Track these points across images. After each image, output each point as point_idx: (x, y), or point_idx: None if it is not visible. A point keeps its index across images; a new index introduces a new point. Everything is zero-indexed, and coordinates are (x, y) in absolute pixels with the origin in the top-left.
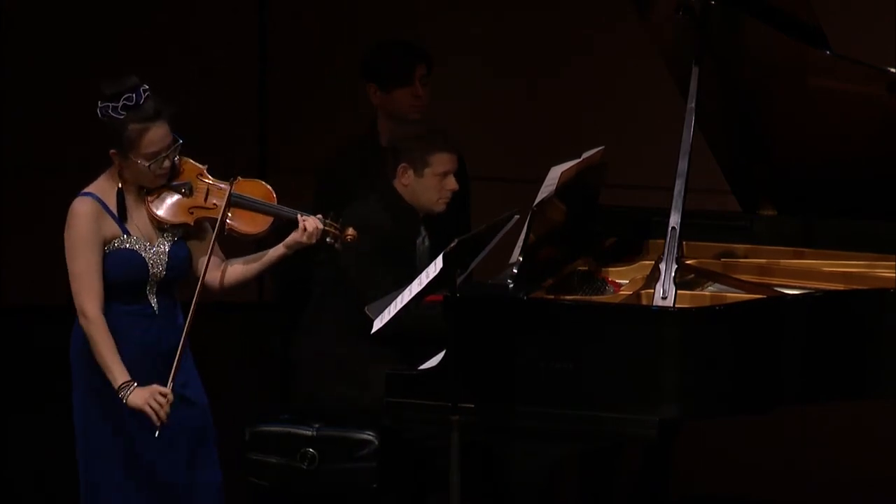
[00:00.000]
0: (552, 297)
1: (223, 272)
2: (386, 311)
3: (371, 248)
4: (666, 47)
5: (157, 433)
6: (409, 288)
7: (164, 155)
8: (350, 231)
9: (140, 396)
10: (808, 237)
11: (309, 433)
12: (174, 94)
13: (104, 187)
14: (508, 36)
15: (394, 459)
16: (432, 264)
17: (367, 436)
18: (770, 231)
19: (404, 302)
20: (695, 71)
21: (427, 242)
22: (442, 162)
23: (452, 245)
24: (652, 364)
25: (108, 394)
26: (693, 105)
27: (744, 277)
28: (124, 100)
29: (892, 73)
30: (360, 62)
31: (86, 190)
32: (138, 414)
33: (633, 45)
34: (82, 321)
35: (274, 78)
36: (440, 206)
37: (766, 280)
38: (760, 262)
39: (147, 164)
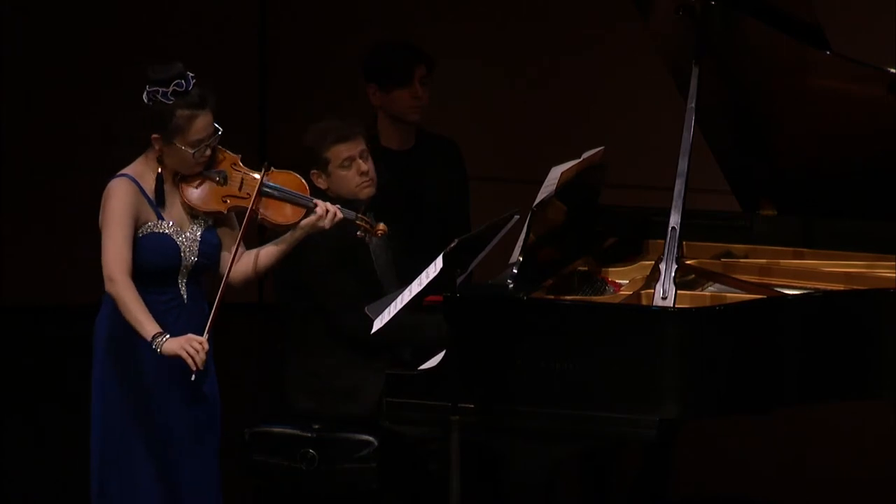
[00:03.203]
0: (552, 297)
1: (243, 264)
2: (386, 311)
3: (326, 258)
4: (666, 47)
5: (192, 377)
6: (409, 288)
7: (206, 143)
8: (381, 226)
9: (176, 342)
10: (808, 237)
11: (309, 434)
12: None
13: (140, 171)
14: (508, 36)
15: (394, 460)
16: (432, 264)
17: (367, 437)
18: (770, 231)
19: (404, 302)
20: (695, 71)
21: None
22: (338, 153)
23: (452, 245)
24: (652, 364)
25: (128, 379)
26: (693, 105)
27: (744, 277)
28: (174, 85)
29: (892, 73)
30: (360, 62)
31: (123, 172)
32: (156, 400)
33: (633, 45)
34: (109, 286)
35: (274, 78)
36: (364, 192)
37: (766, 280)
38: (760, 262)
39: (191, 151)
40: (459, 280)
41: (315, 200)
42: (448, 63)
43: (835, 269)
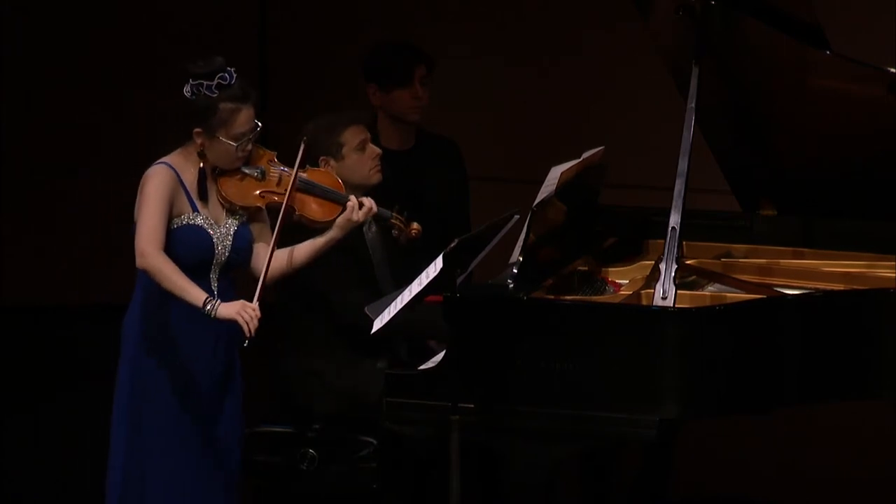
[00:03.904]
0: (552, 297)
1: (278, 259)
2: (386, 311)
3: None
4: (666, 47)
5: (245, 343)
6: (408, 288)
7: (248, 137)
8: (415, 226)
9: (231, 307)
10: (808, 237)
11: (309, 434)
12: (174, 94)
13: (179, 163)
14: (508, 36)
15: (393, 460)
16: (432, 264)
17: (367, 437)
18: (770, 231)
19: (404, 302)
20: (695, 70)
21: (374, 228)
22: (352, 135)
23: (452, 245)
24: (652, 364)
25: (157, 358)
26: (693, 105)
27: (744, 277)
28: (218, 79)
29: (892, 73)
30: (360, 62)
31: (162, 160)
32: (190, 398)
33: (632, 45)
34: (142, 261)
35: (274, 78)
36: (375, 177)
37: (766, 280)
38: (760, 262)
39: (234, 145)
40: (459, 280)
41: (350, 196)
42: (448, 63)
43: (835, 269)
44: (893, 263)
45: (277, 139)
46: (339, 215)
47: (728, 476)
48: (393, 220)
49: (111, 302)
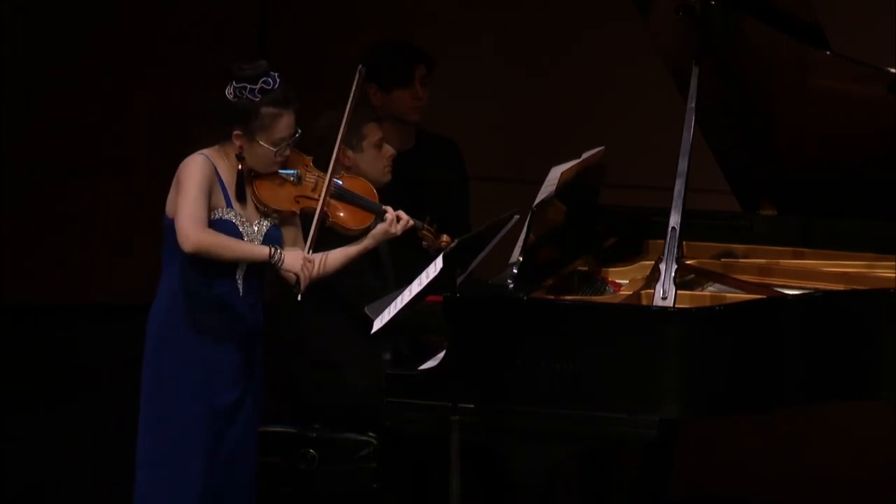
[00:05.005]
0: (552, 297)
1: None
2: (386, 311)
3: (334, 245)
4: (666, 47)
5: (299, 297)
6: (408, 288)
7: (288, 142)
8: (445, 237)
9: (296, 259)
10: (808, 237)
11: (309, 434)
12: (174, 94)
13: (216, 158)
14: (508, 36)
15: (394, 460)
16: (432, 264)
17: (368, 437)
18: (770, 231)
19: (404, 302)
20: (695, 71)
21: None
22: (373, 130)
23: (452, 245)
24: (652, 364)
25: (180, 354)
26: (693, 105)
27: (744, 277)
28: (262, 83)
29: (892, 73)
30: (360, 62)
31: (202, 151)
32: (212, 396)
33: (632, 45)
34: (190, 244)
35: None
36: (387, 175)
37: (766, 280)
38: (760, 262)
39: (273, 150)
40: (459, 280)
41: (385, 207)
42: (448, 63)
43: (835, 269)
44: (893, 263)
45: None
46: (371, 224)
47: (728, 476)
48: (424, 232)
49: (111, 302)
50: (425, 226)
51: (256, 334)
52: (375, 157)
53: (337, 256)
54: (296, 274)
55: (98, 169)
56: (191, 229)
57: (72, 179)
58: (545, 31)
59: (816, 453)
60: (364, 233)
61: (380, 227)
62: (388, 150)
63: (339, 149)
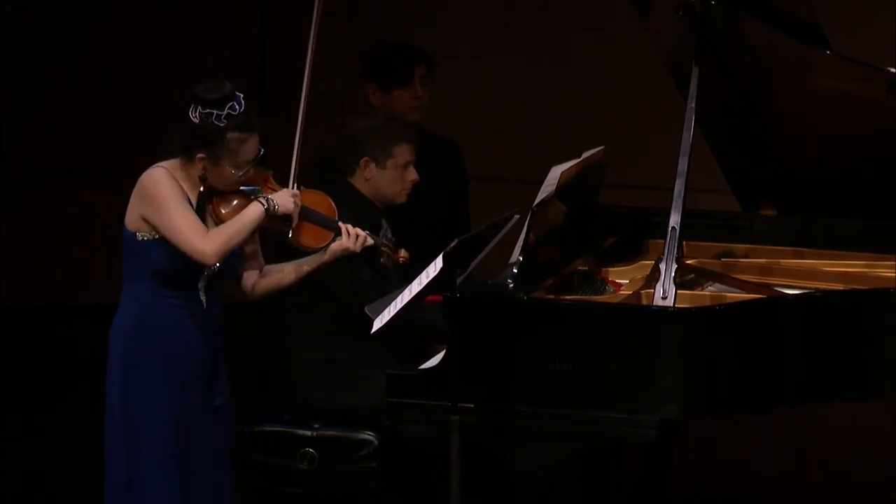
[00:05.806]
0: (552, 297)
1: (262, 277)
2: (385, 311)
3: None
4: (666, 47)
5: (290, 234)
6: (408, 288)
7: (251, 164)
8: (403, 253)
9: (287, 199)
10: (808, 237)
11: (309, 433)
12: (174, 94)
13: (178, 173)
14: (508, 36)
15: (394, 460)
16: (432, 264)
17: (367, 436)
18: (770, 231)
19: (404, 302)
20: (695, 71)
21: (390, 234)
22: (404, 153)
23: (452, 245)
24: (652, 364)
25: (148, 370)
26: (693, 105)
27: (744, 277)
28: (228, 108)
29: (892, 73)
30: (360, 62)
31: (162, 164)
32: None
33: (632, 45)
34: (212, 259)
35: (274, 78)
36: (402, 198)
37: (766, 280)
38: (760, 262)
39: (238, 173)
40: (459, 280)
41: (340, 224)
42: (448, 63)
43: (835, 269)
44: (893, 263)
45: (276, 139)
46: (328, 242)
47: (728, 476)
48: (382, 248)
49: (111, 302)
50: (384, 241)
51: (220, 345)
52: (396, 179)
53: (291, 270)
54: (290, 214)
55: (98, 169)
56: (202, 244)
57: (72, 179)
58: (545, 31)
59: (816, 453)
60: (322, 250)
61: (338, 244)
62: (413, 174)
63: (296, 158)
